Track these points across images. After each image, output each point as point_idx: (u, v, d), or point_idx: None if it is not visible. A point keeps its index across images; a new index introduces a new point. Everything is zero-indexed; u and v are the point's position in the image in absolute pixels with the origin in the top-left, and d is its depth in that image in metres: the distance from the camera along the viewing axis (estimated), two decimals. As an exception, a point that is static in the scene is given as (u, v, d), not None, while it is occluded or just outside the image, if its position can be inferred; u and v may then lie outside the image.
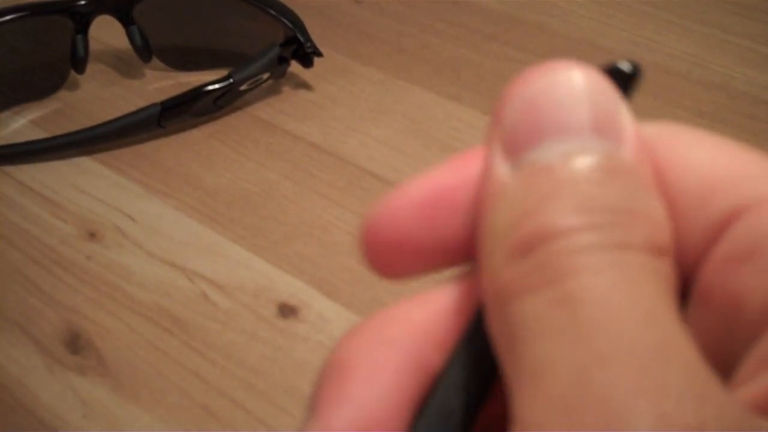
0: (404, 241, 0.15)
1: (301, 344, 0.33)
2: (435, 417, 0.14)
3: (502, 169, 0.14)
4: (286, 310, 0.34)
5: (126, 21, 0.46)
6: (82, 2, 0.44)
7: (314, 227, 0.38)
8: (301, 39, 0.45)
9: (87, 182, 0.40)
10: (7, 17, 0.43)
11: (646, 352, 0.11)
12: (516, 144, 0.14)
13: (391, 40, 0.51)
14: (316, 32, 0.46)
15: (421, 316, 0.15)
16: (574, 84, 0.14)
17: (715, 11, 0.53)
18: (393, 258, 0.15)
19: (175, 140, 0.43)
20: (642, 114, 0.46)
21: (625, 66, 0.15)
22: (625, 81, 0.15)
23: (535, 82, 0.14)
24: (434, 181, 0.15)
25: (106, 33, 0.48)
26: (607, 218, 0.13)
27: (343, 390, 0.14)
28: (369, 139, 0.43)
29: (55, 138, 0.42)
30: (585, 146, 0.13)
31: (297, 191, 0.40)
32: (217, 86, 0.42)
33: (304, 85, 0.47)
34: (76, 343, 0.33)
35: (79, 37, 0.45)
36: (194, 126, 0.44)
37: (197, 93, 0.42)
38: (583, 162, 0.13)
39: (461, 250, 0.15)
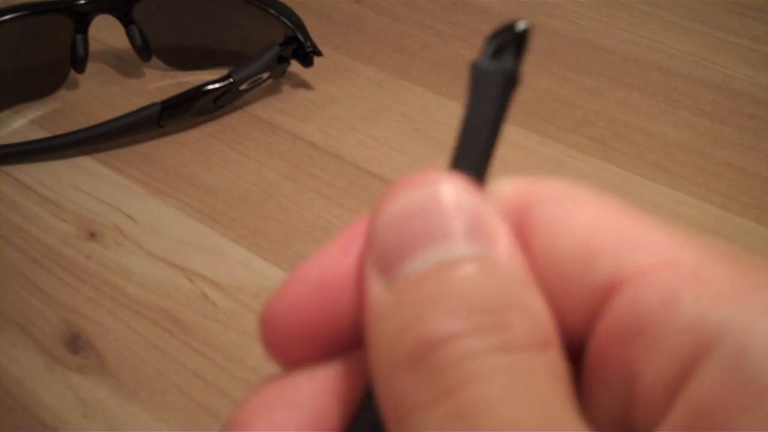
0: (299, 327, 0.15)
1: (301, 344, 0.33)
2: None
3: (377, 288, 0.14)
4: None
5: (126, 20, 0.46)
6: (82, 2, 0.44)
7: (314, 227, 0.38)
8: (301, 38, 0.45)
9: (87, 182, 0.40)
10: (7, 17, 0.43)
11: None
12: (388, 261, 0.14)
13: (391, 40, 0.51)
14: (316, 32, 0.46)
15: (317, 384, 0.15)
16: (441, 195, 0.14)
17: (715, 11, 0.53)
18: (290, 345, 0.15)
19: (174, 140, 0.43)
20: (642, 114, 0.46)
21: (519, 26, 0.16)
22: (519, 40, 0.16)
23: (402, 197, 0.14)
24: (322, 266, 0.15)
25: (106, 32, 0.48)
26: (487, 319, 0.12)
27: None
28: (369, 139, 0.43)
29: (54, 137, 0.42)
30: (457, 252, 0.13)
31: (297, 191, 0.40)
32: (216, 86, 0.42)
33: (304, 85, 0.47)
34: (76, 343, 0.33)
35: (79, 36, 0.45)
36: (194, 126, 0.44)
37: (197, 92, 0.42)
38: (457, 267, 0.13)
39: (356, 333, 0.15)
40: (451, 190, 0.14)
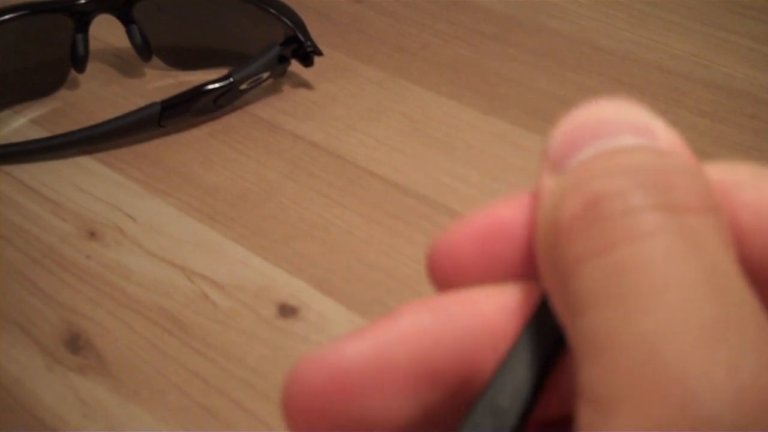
0: (465, 269, 0.15)
1: (301, 344, 0.33)
2: (486, 414, 0.13)
3: (549, 182, 0.14)
4: (286, 310, 0.34)
5: (126, 20, 0.46)
6: (83, 1, 0.44)
7: (314, 227, 0.38)
8: (302, 38, 0.45)
9: (87, 181, 0.40)
10: (7, 16, 0.43)
11: (715, 323, 0.11)
12: (559, 157, 0.14)
13: (391, 40, 0.51)
14: (316, 31, 0.46)
15: (487, 306, 0.15)
16: (611, 105, 0.14)
17: (715, 11, 0.53)
18: (455, 283, 0.15)
19: (175, 139, 0.43)
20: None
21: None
22: None
23: (576, 112, 0.15)
24: (492, 215, 0.16)
25: (106, 32, 0.48)
26: (654, 178, 0.13)
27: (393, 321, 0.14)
28: (369, 139, 0.43)
29: (55, 137, 0.42)
30: (624, 142, 0.14)
31: (297, 190, 0.40)
32: (217, 85, 0.42)
33: (305, 85, 0.47)
34: (76, 343, 0.33)
35: (79, 36, 0.45)
36: (194, 125, 0.44)
37: (197, 92, 0.42)
38: (624, 150, 0.13)
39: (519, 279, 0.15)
40: (624, 102, 0.15)
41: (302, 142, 0.43)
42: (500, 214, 0.15)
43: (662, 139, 0.14)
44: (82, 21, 0.45)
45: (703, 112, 0.45)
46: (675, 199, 0.13)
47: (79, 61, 0.45)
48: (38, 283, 0.35)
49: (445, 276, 0.15)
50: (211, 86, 0.42)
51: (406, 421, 0.14)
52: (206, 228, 0.38)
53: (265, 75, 0.44)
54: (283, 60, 0.45)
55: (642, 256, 0.12)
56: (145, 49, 0.46)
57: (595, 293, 0.12)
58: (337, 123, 0.44)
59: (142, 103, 0.42)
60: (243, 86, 0.43)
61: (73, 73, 0.46)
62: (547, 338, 0.14)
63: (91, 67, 0.46)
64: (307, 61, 0.45)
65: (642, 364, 0.11)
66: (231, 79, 0.43)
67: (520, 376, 0.14)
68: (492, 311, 0.15)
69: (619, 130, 0.14)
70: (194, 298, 0.35)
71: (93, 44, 0.46)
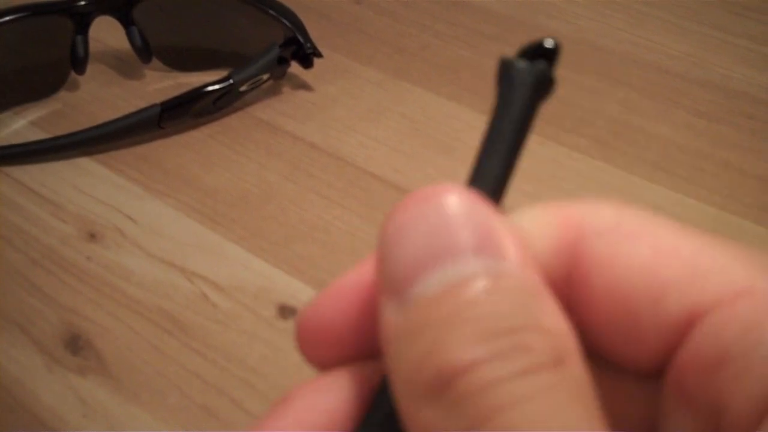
0: (330, 335, 0.15)
1: (301, 344, 0.33)
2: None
3: (388, 311, 0.13)
4: (286, 311, 0.34)
5: (126, 21, 0.46)
6: (82, 3, 0.44)
7: (314, 228, 0.38)
8: (301, 39, 0.45)
9: (87, 183, 0.40)
10: (7, 17, 0.43)
11: None
12: (397, 282, 0.13)
13: (391, 40, 0.51)
14: (315, 33, 0.46)
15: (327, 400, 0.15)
16: (446, 209, 0.13)
17: (714, 12, 0.53)
18: (323, 349, 0.16)
19: (174, 141, 0.43)
20: (641, 114, 0.46)
21: (548, 42, 0.16)
22: (550, 56, 0.16)
23: (408, 213, 0.14)
24: (350, 283, 0.15)
25: (106, 33, 0.48)
26: (505, 343, 0.12)
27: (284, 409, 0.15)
28: (368, 140, 0.43)
29: (55, 138, 0.42)
30: (467, 269, 0.13)
31: (297, 192, 0.40)
32: (216, 87, 0.43)
33: (304, 86, 0.47)
34: (76, 344, 0.33)
35: (79, 37, 0.45)
36: (194, 127, 0.44)
37: (197, 94, 0.42)
38: (467, 285, 0.13)
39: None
40: (457, 203, 0.13)
41: (302, 143, 0.43)
42: (355, 281, 0.15)
43: (504, 254, 0.13)
44: (82, 22, 0.45)
45: (701, 112, 0.45)
46: (530, 361, 0.12)
47: (79, 62, 0.45)
48: (38, 284, 0.36)
49: (314, 340, 0.16)
50: (210, 88, 0.42)
51: None
52: (206, 229, 0.38)
53: (265, 76, 0.44)
54: (283, 61, 0.45)
55: (513, 426, 0.12)
56: (144, 51, 0.46)
57: None
58: (337, 124, 0.44)
59: (141, 104, 0.42)
60: (243, 88, 0.43)
61: (73, 74, 0.46)
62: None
63: (91, 68, 0.46)
64: (306, 62, 0.45)
65: None
66: (231, 81, 0.43)
67: None
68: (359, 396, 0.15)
69: (459, 247, 0.13)
70: (194, 299, 0.35)
71: (93, 46, 0.46)
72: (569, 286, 0.15)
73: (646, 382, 0.14)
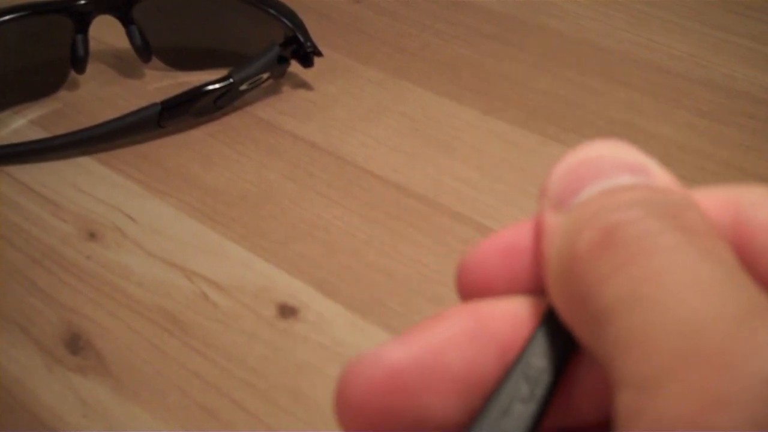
0: (490, 283, 0.16)
1: (301, 344, 0.33)
2: (497, 414, 0.14)
3: (552, 219, 0.15)
4: (286, 311, 0.34)
5: (126, 21, 0.46)
6: (82, 2, 0.44)
7: (314, 227, 0.38)
8: (301, 39, 0.45)
9: (87, 182, 0.40)
10: (7, 17, 0.43)
11: (746, 310, 0.12)
12: (561, 197, 0.15)
13: (391, 40, 0.51)
14: (316, 32, 0.46)
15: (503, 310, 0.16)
16: (606, 146, 0.16)
17: (715, 11, 0.53)
18: (480, 294, 0.17)
19: (174, 140, 0.43)
20: (642, 114, 0.46)
21: None
22: None
23: (573, 154, 0.16)
24: (514, 234, 0.17)
25: (106, 33, 0.48)
26: (664, 208, 0.14)
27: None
28: (369, 139, 0.43)
29: (55, 138, 0.42)
30: (624, 181, 0.15)
31: (297, 191, 0.40)
32: (216, 86, 0.42)
33: (304, 85, 0.47)
34: (76, 343, 0.33)
35: (79, 36, 0.45)
36: (194, 126, 0.44)
37: (197, 93, 0.42)
38: (624, 187, 0.14)
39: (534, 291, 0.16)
40: (620, 144, 0.15)
41: (302, 142, 0.43)
42: (521, 233, 0.17)
43: (657, 178, 0.15)
44: (82, 22, 0.45)
45: (703, 112, 0.45)
46: (686, 222, 0.13)
47: (79, 61, 0.45)
48: (38, 284, 0.35)
49: (473, 287, 0.17)
50: (211, 87, 0.42)
51: (455, 421, 0.15)
52: (206, 228, 0.38)
53: (265, 76, 0.44)
54: (283, 61, 0.45)
55: (664, 264, 0.13)
56: (144, 50, 0.46)
57: (622, 300, 0.13)
58: (337, 123, 0.44)
59: (141, 103, 0.42)
60: (243, 87, 0.43)
61: (72, 73, 0.46)
62: (559, 338, 0.15)
63: (91, 67, 0.46)
64: (306, 61, 0.45)
65: (685, 345, 0.12)
66: (231, 80, 0.43)
67: (539, 366, 0.14)
68: (522, 318, 0.16)
69: (617, 171, 0.15)
70: (194, 298, 0.35)
71: (93, 45, 0.46)
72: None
73: None
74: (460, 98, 0.46)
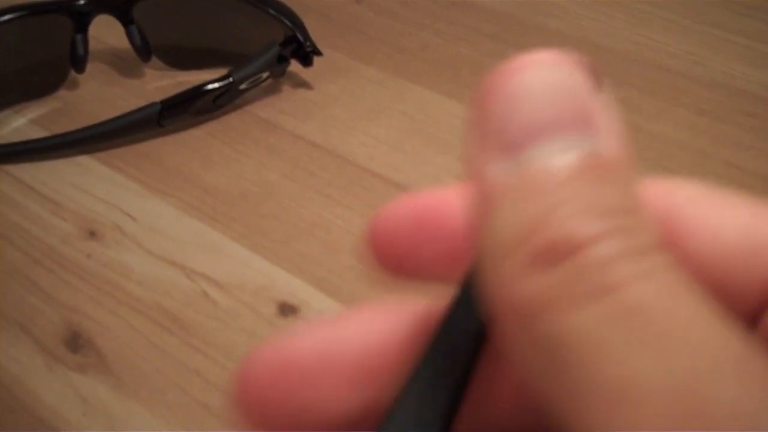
0: (401, 247, 0.16)
1: (302, 343, 0.33)
2: (413, 400, 0.13)
3: (496, 168, 0.13)
4: (286, 309, 0.34)
5: (125, 20, 0.46)
6: (82, 2, 0.44)
7: (314, 226, 0.38)
8: (301, 38, 0.45)
9: (87, 181, 0.40)
10: (7, 17, 0.43)
11: (737, 363, 0.11)
12: (514, 139, 0.13)
13: (391, 40, 0.51)
14: (315, 32, 0.46)
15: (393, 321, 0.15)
16: (558, 78, 0.13)
17: (715, 10, 0.53)
18: (393, 261, 0.16)
19: (174, 139, 0.43)
20: (642, 113, 0.46)
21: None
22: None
23: (518, 77, 0.13)
24: (435, 198, 0.15)
25: (106, 32, 0.48)
26: (620, 221, 0.12)
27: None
28: (369, 138, 0.43)
29: (54, 137, 0.42)
30: (596, 147, 0.13)
31: (297, 190, 0.40)
32: (216, 85, 0.42)
33: (304, 85, 0.47)
34: (76, 342, 0.33)
35: (79, 36, 0.45)
36: (194, 125, 0.44)
37: (197, 92, 0.42)
38: (579, 161, 0.13)
39: (451, 264, 0.15)
40: (571, 76, 0.13)
41: (302, 141, 0.43)
42: (443, 198, 0.15)
43: (611, 137, 0.13)
44: (82, 21, 0.45)
45: (702, 111, 0.45)
46: (643, 241, 0.12)
47: (78, 61, 0.45)
48: (38, 283, 0.35)
49: (383, 251, 0.16)
50: (210, 86, 0.42)
51: (349, 414, 0.15)
52: (206, 227, 0.38)
53: (265, 75, 0.44)
54: (283, 60, 0.45)
55: (643, 302, 0.12)
56: (144, 50, 0.46)
57: (601, 340, 0.11)
58: (337, 123, 0.44)
59: (141, 103, 0.42)
60: (242, 86, 0.43)
61: (72, 73, 0.46)
62: (471, 323, 0.14)
63: (91, 67, 0.46)
64: (306, 61, 0.45)
65: (679, 405, 0.11)
66: (230, 79, 0.43)
67: (453, 348, 0.14)
68: (428, 317, 0.15)
69: (590, 123, 0.13)
70: (194, 297, 0.35)
71: (92, 44, 0.46)
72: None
73: None
74: (460, 97, 0.46)
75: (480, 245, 0.13)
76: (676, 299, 0.12)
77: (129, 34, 0.46)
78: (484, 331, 0.14)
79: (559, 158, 0.13)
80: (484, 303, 0.13)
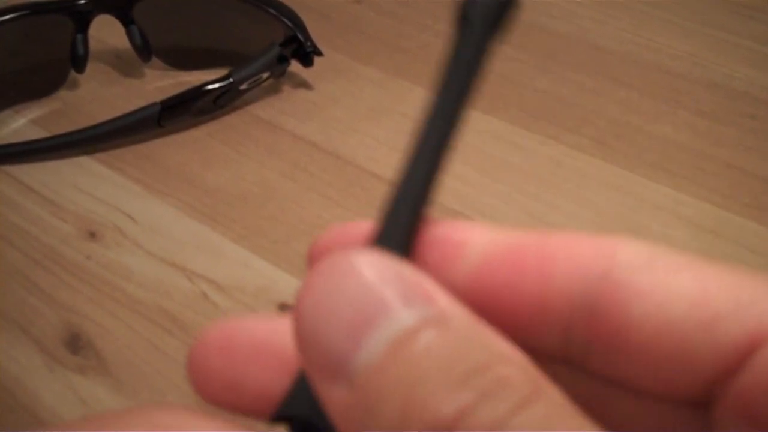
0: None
1: (302, 344, 0.33)
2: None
3: (335, 394, 0.12)
4: (287, 310, 0.34)
5: (126, 20, 0.46)
6: (82, 2, 0.44)
7: (314, 227, 0.38)
8: (301, 38, 0.45)
9: (87, 182, 0.40)
10: (7, 17, 0.43)
11: None
12: (335, 359, 0.12)
13: (391, 40, 0.51)
14: (316, 32, 0.46)
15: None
16: (360, 275, 0.13)
17: (715, 11, 0.53)
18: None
19: (174, 140, 0.43)
20: (642, 114, 0.46)
21: None
22: (501, 10, 0.16)
23: (319, 288, 0.13)
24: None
25: (106, 32, 0.48)
26: (484, 380, 0.12)
27: None
28: (369, 139, 0.43)
29: (55, 137, 0.42)
30: (405, 322, 0.12)
31: (297, 191, 0.40)
32: (216, 85, 0.42)
33: (304, 85, 0.47)
34: (76, 343, 0.33)
35: (79, 36, 0.45)
36: (194, 125, 0.44)
37: (197, 92, 0.42)
38: (413, 338, 0.12)
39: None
40: (368, 263, 0.13)
41: (302, 142, 0.43)
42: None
43: (434, 299, 0.13)
44: (82, 21, 0.45)
45: (703, 113, 0.45)
46: (519, 394, 0.12)
47: (78, 61, 0.45)
48: (38, 284, 0.35)
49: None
50: (210, 86, 0.42)
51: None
52: (206, 228, 0.38)
53: (265, 75, 0.44)
54: (283, 60, 0.45)
55: None
56: (144, 50, 0.46)
57: None
58: (338, 123, 0.44)
59: (141, 103, 0.42)
60: (243, 86, 0.43)
61: (72, 73, 0.46)
62: None
63: (91, 67, 0.46)
64: (306, 61, 0.45)
65: None
66: (231, 80, 0.43)
67: None
68: None
69: (388, 304, 0.12)
70: (194, 298, 0.35)
71: (93, 45, 0.46)
72: (593, 314, 0.14)
73: (682, 408, 0.14)
74: (460, 98, 0.46)
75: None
76: None
77: (129, 35, 0.46)
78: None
79: (386, 348, 0.12)
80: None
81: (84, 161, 0.42)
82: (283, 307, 0.34)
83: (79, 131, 0.42)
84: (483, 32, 0.15)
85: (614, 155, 0.42)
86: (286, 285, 0.35)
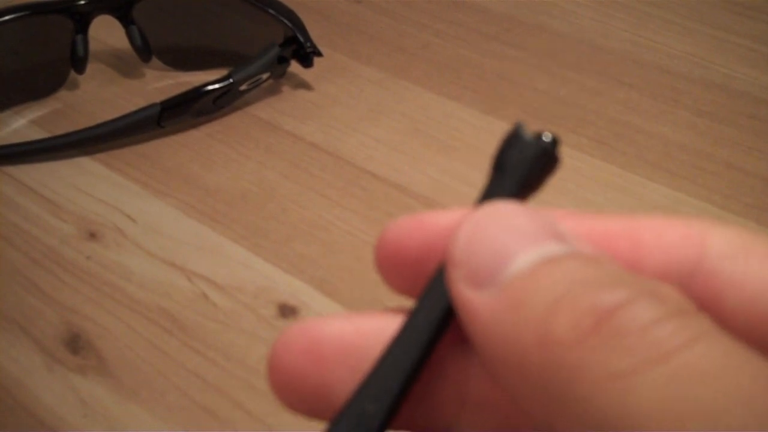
0: (407, 267, 0.16)
1: (301, 344, 0.33)
2: (351, 418, 0.14)
3: (478, 299, 0.13)
4: (286, 310, 0.34)
5: (126, 21, 0.46)
6: (82, 2, 0.44)
7: (314, 227, 0.38)
8: (301, 39, 0.45)
9: (87, 182, 0.40)
10: (7, 17, 0.43)
11: None
12: (482, 272, 0.13)
13: (391, 40, 0.51)
14: (316, 32, 0.46)
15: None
16: (510, 209, 0.14)
17: (715, 11, 0.53)
18: (398, 279, 0.16)
19: (174, 140, 0.43)
20: (642, 114, 0.46)
21: (546, 137, 0.17)
22: (547, 154, 0.16)
23: (475, 219, 0.14)
24: (439, 221, 0.16)
25: (106, 33, 0.48)
26: (644, 288, 0.12)
27: None
28: (369, 139, 0.43)
29: (55, 138, 0.42)
30: (552, 251, 0.13)
31: (297, 191, 0.40)
32: (216, 86, 0.42)
33: (304, 85, 0.47)
34: (76, 343, 0.33)
35: (79, 36, 0.45)
36: (194, 126, 0.44)
37: (197, 93, 0.42)
38: (558, 258, 0.13)
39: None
40: (516, 208, 0.14)
41: (302, 142, 0.43)
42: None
43: (577, 243, 0.14)
44: (82, 22, 0.45)
45: (703, 112, 0.45)
46: (675, 307, 0.12)
47: (78, 61, 0.45)
48: (38, 284, 0.35)
49: (390, 265, 0.16)
50: (210, 87, 0.42)
51: None
52: (206, 228, 0.38)
53: (265, 75, 0.44)
54: (283, 60, 0.45)
55: (693, 367, 0.11)
56: (144, 50, 0.46)
57: (662, 406, 0.11)
58: (337, 123, 0.44)
59: (141, 103, 0.42)
60: (243, 87, 0.43)
61: (72, 74, 0.46)
62: (413, 346, 0.14)
63: (91, 67, 0.46)
64: (306, 61, 0.45)
65: None
66: (231, 80, 0.43)
67: (384, 385, 0.14)
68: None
69: (540, 237, 0.13)
70: (194, 298, 0.35)
71: (93, 45, 0.46)
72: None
73: None
74: (460, 98, 0.46)
75: (491, 356, 0.13)
76: (728, 365, 0.11)
77: (129, 35, 0.46)
78: (450, 316, 0.14)
79: (533, 263, 0.13)
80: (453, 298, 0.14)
81: (84, 161, 0.42)
82: (283, 307, 0.34)
83: (79, 131, 0.42)
84: (514, 185, 0.15)
85: (614, 155, 0.42)
86: (286, 285, 0.35)
